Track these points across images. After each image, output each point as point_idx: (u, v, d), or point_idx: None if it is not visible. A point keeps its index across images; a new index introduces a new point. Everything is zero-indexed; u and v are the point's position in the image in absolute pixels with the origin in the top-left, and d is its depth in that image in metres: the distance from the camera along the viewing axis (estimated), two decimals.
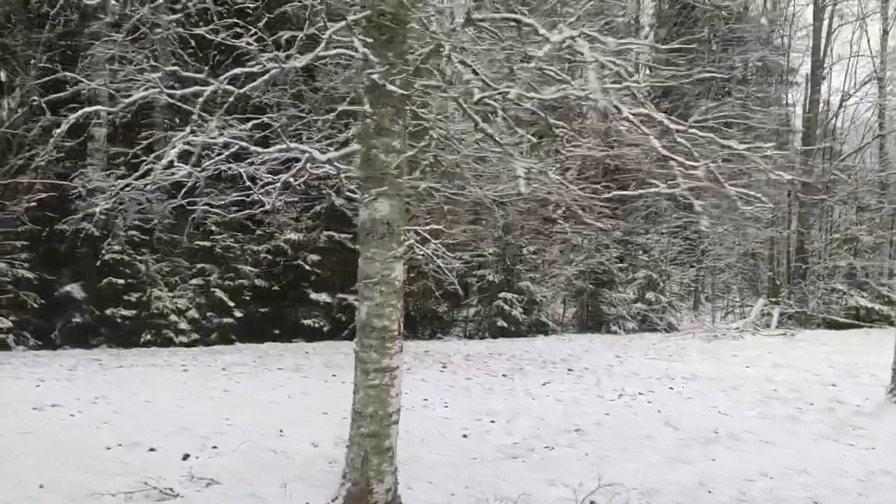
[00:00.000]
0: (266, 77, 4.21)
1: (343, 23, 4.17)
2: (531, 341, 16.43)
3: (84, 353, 13.41)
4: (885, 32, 25.98)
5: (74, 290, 14.92)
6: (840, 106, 26.41)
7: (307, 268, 16.90)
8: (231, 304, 16.07)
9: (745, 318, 22.98)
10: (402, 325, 4.63)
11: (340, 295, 16.83)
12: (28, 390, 8.79)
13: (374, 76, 4.31)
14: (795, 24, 28.60)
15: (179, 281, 16.52)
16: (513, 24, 4.16)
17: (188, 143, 4.28)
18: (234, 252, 16.66)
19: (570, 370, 11.07)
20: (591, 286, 19.72)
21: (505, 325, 18.01)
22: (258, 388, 9.15)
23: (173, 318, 15.53)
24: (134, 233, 16.12)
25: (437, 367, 11.23)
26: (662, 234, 21.10)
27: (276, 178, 5.90)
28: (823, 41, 25.11)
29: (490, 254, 19.05)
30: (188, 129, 4.18)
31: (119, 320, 15.07)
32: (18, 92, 15.91)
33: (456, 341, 16.98)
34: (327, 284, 17.07)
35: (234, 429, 6.98)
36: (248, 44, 4.27)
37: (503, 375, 10.27)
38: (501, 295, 18.21)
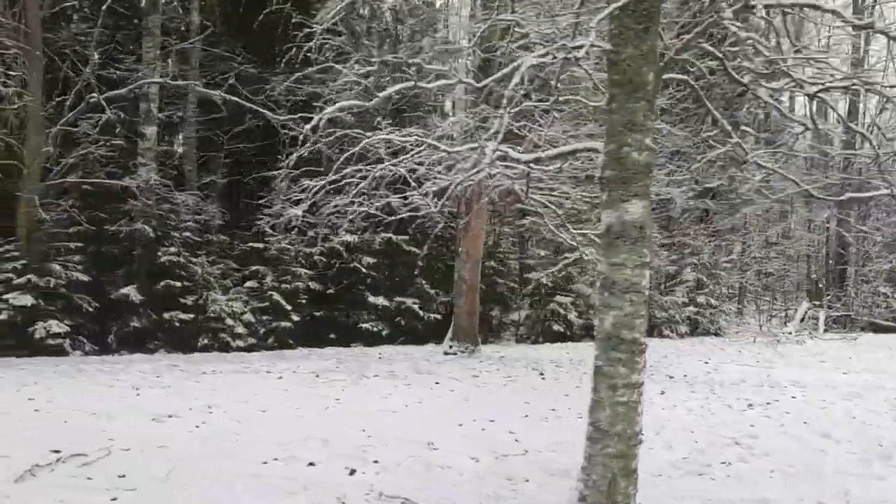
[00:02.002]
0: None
1: (608, 10, 3.85)
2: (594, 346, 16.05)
3: (147, 357, 13.01)
4: None
5: (131, 293, 14.47)
6: (880, 111, 26.20)
7: (363, 270, 16.53)
8: (288, 307, 15.67)
9: (790, 321, 22.75)
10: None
11: (398, 298, 16.46)
12: (129, 399, 8.41)
13: (628, 68, 4.00)
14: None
15: (232, 284, 16.15)
16: (789, 10, 3.83)
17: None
18: (289, 254, 16.25)
19: (670, 377, 10.74)
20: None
21: (561, 329, 17.68)
22: (367, 397, 8.78)
23: (229, 321, 15.13)
24: (188, 234, 15.76)
25: (534, 374, 10.90)
26: (712, 235, 20.85)
27: (449, 178, 5.57)
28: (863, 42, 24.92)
29: (541, 256, 18.74)
30: (500, 125, 3.82)
31: (178, 324, 14.67)
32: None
33: (516, 345, 16.63)
34: (384, 287, 16.70)
35: (376, 440, 6.63)
36: (553, 34, 3.95)
37: None
38: (557, 298, 17.88)
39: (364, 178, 5.22)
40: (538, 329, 18.28)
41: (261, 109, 14.00)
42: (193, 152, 18.18)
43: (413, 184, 5.86)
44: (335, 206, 6.34)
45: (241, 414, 7.65)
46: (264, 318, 15.70)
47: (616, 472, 4.17)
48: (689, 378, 10.59)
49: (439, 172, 5.85)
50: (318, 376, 10.19)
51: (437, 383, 9.73)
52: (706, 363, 12.57)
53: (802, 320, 22.32)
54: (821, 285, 24.37)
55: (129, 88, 14.06)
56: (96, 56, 12.94)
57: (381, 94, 4.06)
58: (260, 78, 15.91)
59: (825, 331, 21.48)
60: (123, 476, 5.43)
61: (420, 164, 5.84)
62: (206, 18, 16.69)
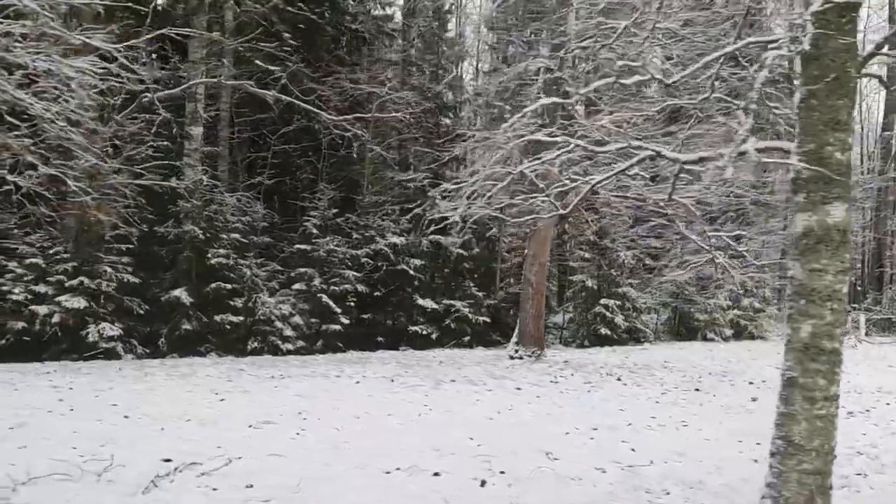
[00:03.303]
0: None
1: (818, 3, 3.65)
2: (646, 350, 15.85)
3: (206, 361, 12.83)
4: None
5: (182, 295, 14.29)
6: None
7: (411, 272, 16.33)
8: (337, 310, 15.47)
9: None
10: None
11: (447, 301, 16.25)
12: (216, 404, 8.23)
13: (831, 63, 3.80)
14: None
15: (279, 286, 15.96)
16: None
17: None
18: (337, 256, 16.05)
19: (751, 383, 10.54)
20: (689, 290, 19.12)
21: (607, 332, 17.45)
22: (453, 403, 8.58)
23: (278, 324, 14.94)
24: (236, 236, 15.58)
25: (611, 380, 10.68)
26: (754, 237, 20.56)
27: (585, 179, 5.37)
28: None
29: (586, 259, 18.49)
30: (748, 123, 3.64)
31: (228, 327, 14.48)
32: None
33: (566, 349, 16.41)
34: (432, 290, 16.48)
35: (490, 449, 6.40)
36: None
37: (696, 390, 9.72)
38: (603, 301, 17.65)
39: (499, 178, 5.04)
40: (583, 332, 18.04)
41: (315, 110, 13.82)
42: (227, 153, 18.01)
43: (541, 185, 5.66)
44: (458, 207, 6.10)
45: (335, 421, 7.45)
46: (312, 321, 15.51)
47: (814, 490, 3.96)
48: (769, 385, 10.35)
49: (574, 173, 5.67)
50: (393, 381, 10.00)
51: (518, 389, 9.53)
52: (777, 368, 12.30)
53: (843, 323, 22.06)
54: (859, 288, 24.12)
55: (181, 88, 13.86)
56: (154, 56, 12.70)
57: (580, 91, 3.88)
58: (310, 78, 15.74)
59: (866, 334, 21.24)
60: (251, 486, 5.24)
61: (552, 164, 5.67)
62: (262, 19, 16.45)
